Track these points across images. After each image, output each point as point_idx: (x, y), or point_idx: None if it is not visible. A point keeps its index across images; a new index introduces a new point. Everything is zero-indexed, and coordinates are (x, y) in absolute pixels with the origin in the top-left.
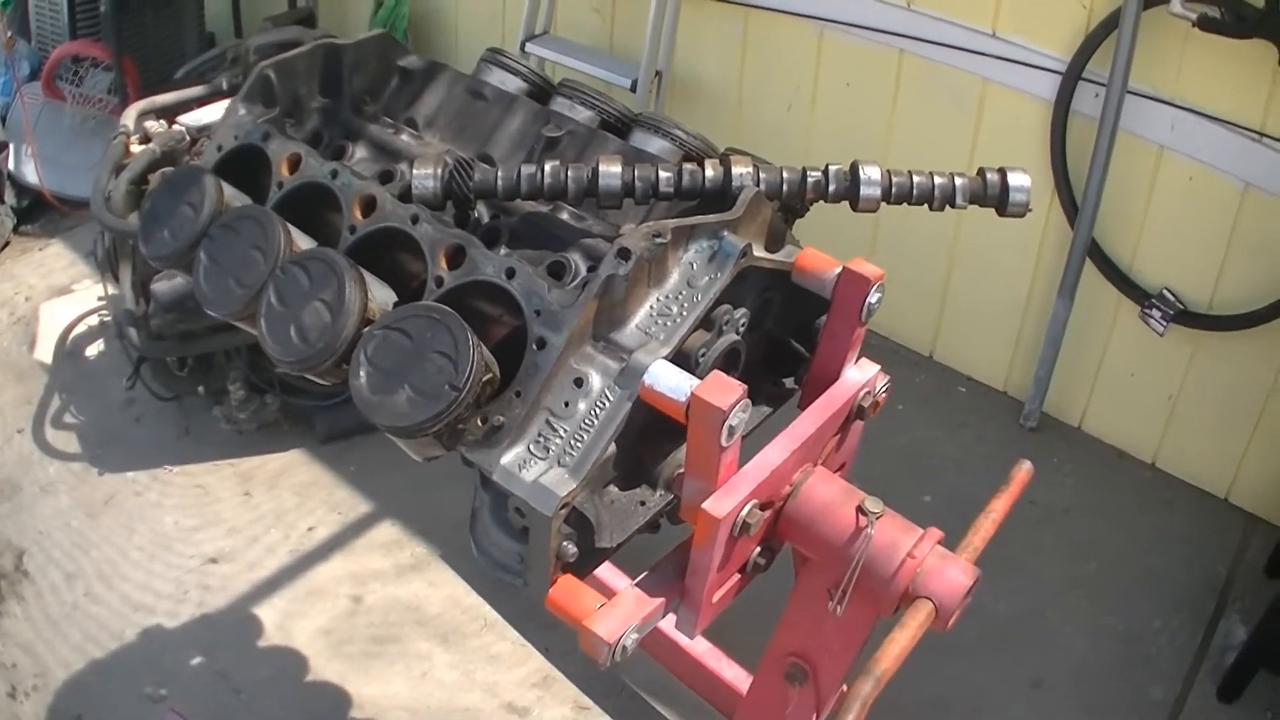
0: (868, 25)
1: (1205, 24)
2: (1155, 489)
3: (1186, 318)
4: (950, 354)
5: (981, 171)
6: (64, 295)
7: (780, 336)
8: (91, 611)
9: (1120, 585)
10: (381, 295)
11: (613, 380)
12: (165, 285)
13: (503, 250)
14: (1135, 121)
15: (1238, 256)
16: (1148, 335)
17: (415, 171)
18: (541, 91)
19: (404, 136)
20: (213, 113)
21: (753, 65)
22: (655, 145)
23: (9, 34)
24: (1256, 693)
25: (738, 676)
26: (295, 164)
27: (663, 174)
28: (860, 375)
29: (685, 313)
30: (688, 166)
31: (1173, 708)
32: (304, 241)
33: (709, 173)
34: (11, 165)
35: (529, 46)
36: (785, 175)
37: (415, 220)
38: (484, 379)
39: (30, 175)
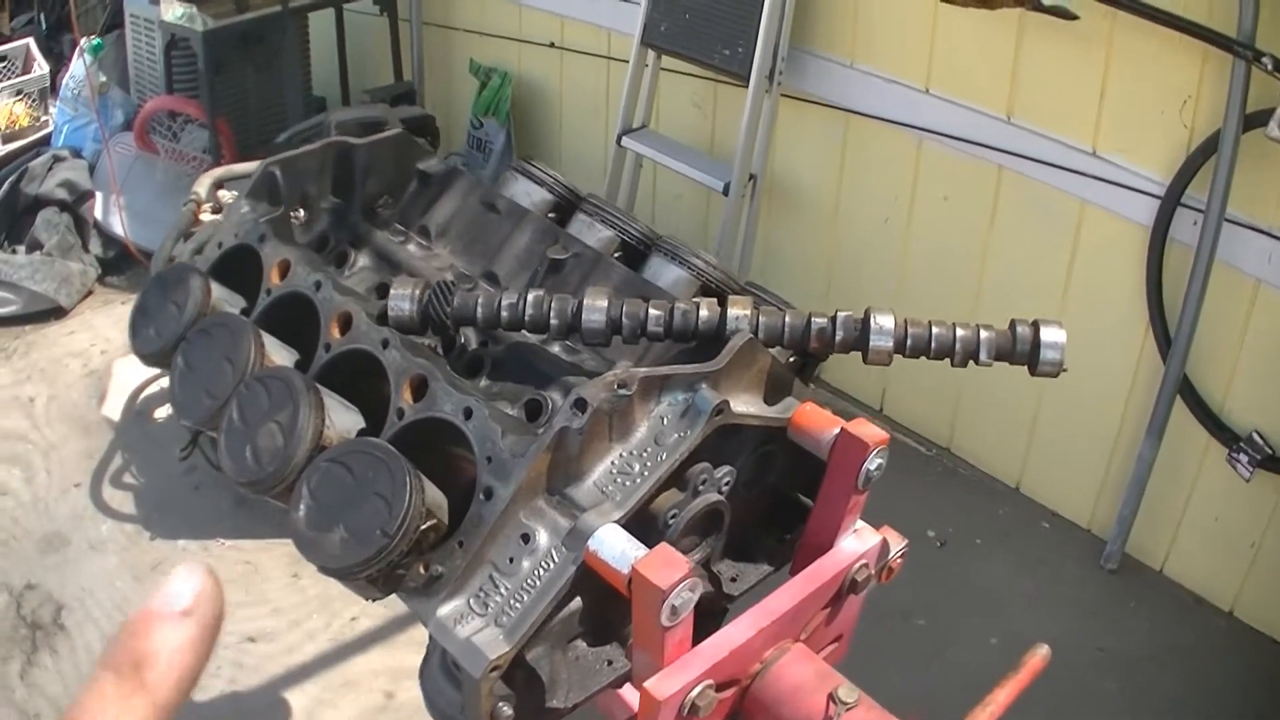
0: (967, 138)
1: None
2: (1232, 639)
3: (1273, 463)
4: (1036, 487)
5: (1012, 325)
6: None
7: (785, 491)
8: None
9: None
10: (344, 421)
11: (560, 540)
12: None
13: (483, 381)
14: (1232, 252)
15: None
16: (1233, 478)
17: (392, 292)
18: (568, 204)
19: (411, 246)
20: None
21: (851, 173)
22: (670, 275)
23: (103, 79)
24: None
25: None
26: (285, 270)
27: (652, 313)
28: (858, 545)
29: (647, 473)
30: (680, 306)
31: None
32: (280, 354)
33: (703, 314)
34: (99, 215)
35: (625, 140)
36: (787, 321)
37: (385, 344)
38: (425, 526)
39: (117, 227)
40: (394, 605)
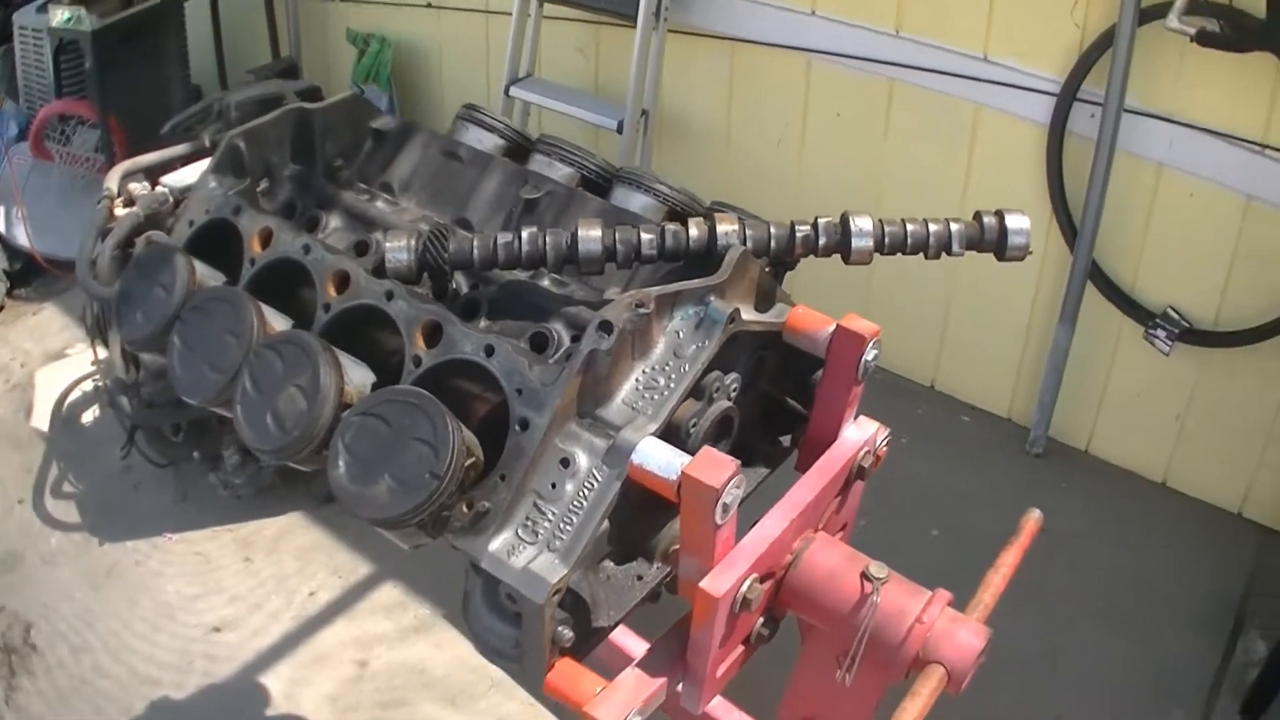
0: (857, 55)
1: (1204, 39)
2: (1167, 508)
3: (1192, 336)
4: (952, 384)
5: (978, 215)
6: (59, 360)
7: (776, 395)
8: (100, 685)
9: (1136, 608)
10: (359, 377)
11: (600, 459)
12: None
13: (483, 322)
14: (1133, 140)
15: (1242, 271)
16: (1152, 355)
17: (388, 245)
18: (519, 148)
19: (379, 203)
20: (194, 172)
21: (741, 100)
22: (637, 202)
23: None
24: None
25: None
26: (267, 239)
27: (645, 236)
28: (859, 434)
29: (673, 385)
30: (670, 227)
31: None
32: (278, 321)
33: (693, 233)
34: (2, 228)
35: (513, 90)
36: (773, 231)
37: (390, 296)
38: (466, 464)
39: (21, 238)
40: (349, 574)
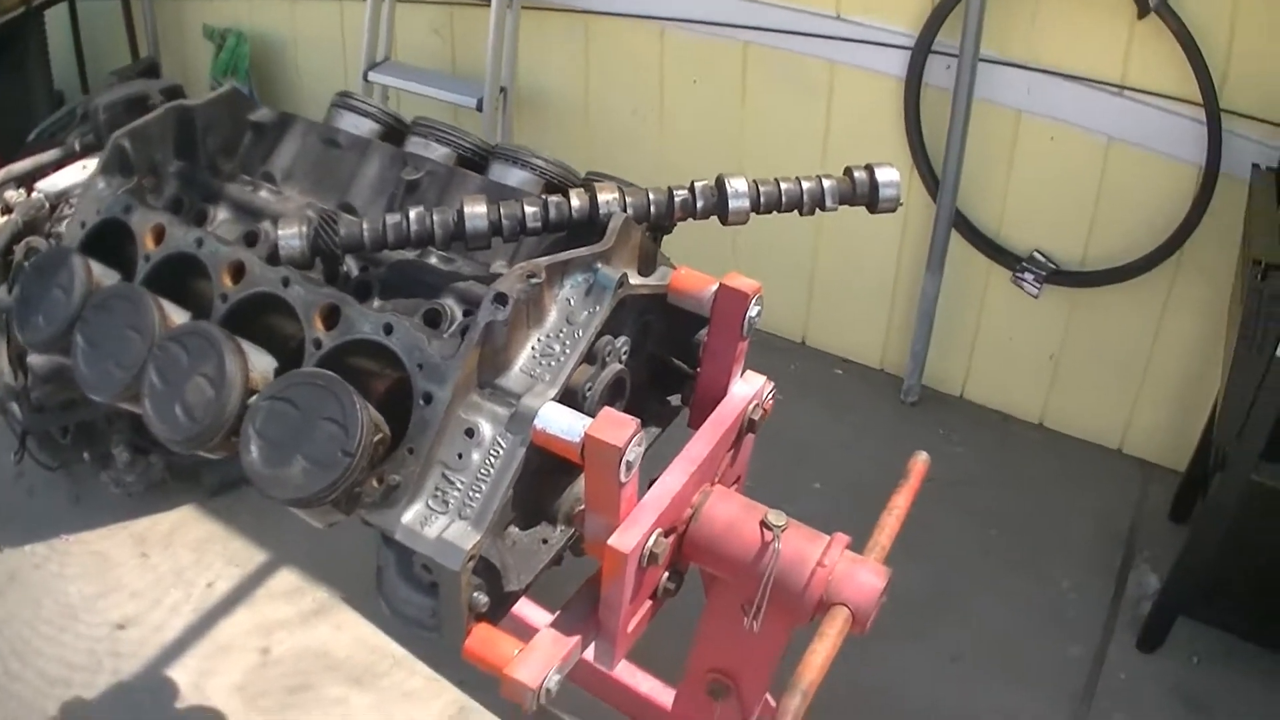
0: (709, 20)
1: None
2: (1046, 448)
3: (1060, 277)
4: (823, 338)
5: (849, 171)
6: None
7: (662, 356)
8: (13, 690)
9: (1025, 549)
10: (261, 363)
11: (503, 427)
12: (42, 358)
13: (376, 303)
14: (990, 89)
15: (1107, 211)
16: (1022, 299)
17: (280, 232)
18: (395, 131)
19: (263, 193)
20: (69, 176)
21: (597, 73)
22: (515, 177)
23: None
24: (1176, 640)
25: (659, 691)
26: (160, 235)
27: (528, 209)
28: (747, 389)
29: (568, 350)
30: (553, 199)
31: (1093, 664)
32: (178, 315)
33: (575, 203)
34: None
35: (371, 75)
36: (652, 197)
37: (286, 283)
38: (375, 440)
39: None
40: (245, 563)
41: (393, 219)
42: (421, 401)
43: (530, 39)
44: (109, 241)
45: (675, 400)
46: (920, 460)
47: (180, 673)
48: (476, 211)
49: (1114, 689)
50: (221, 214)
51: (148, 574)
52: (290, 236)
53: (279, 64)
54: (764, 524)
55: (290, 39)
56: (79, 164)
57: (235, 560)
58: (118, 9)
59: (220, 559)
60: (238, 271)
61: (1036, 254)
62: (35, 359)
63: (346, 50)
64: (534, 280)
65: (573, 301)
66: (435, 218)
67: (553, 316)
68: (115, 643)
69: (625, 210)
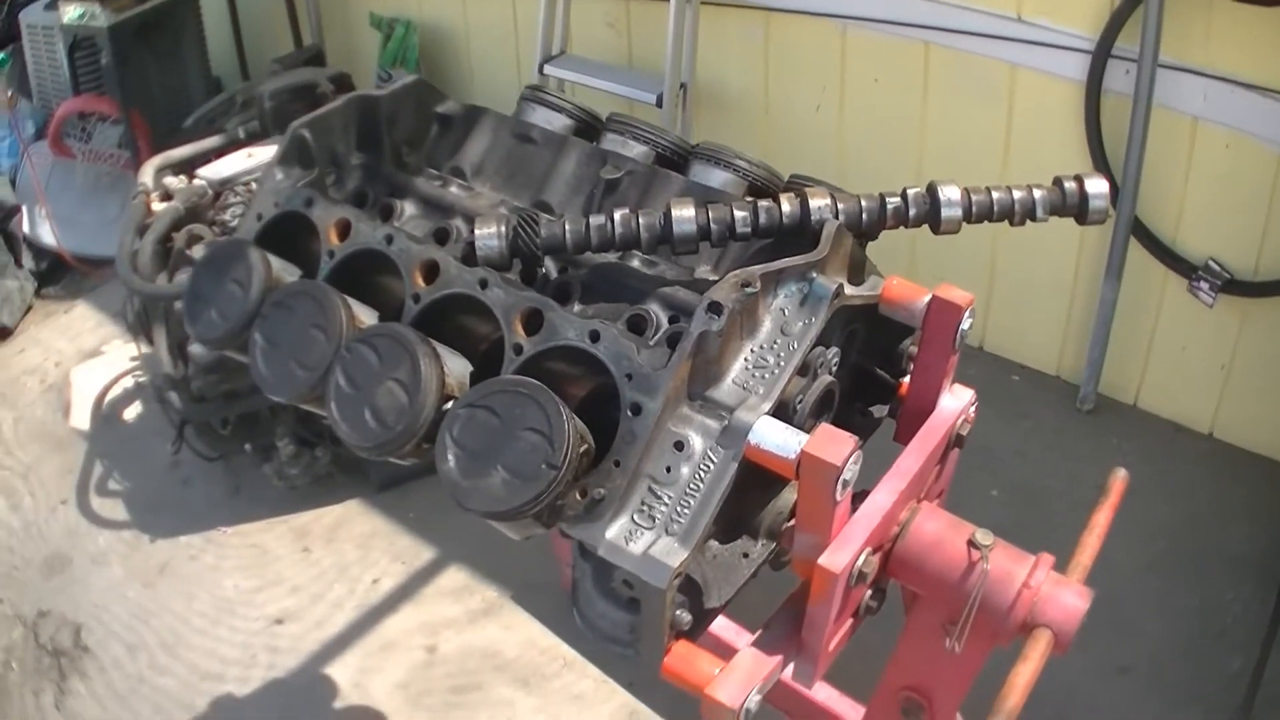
0: (891, 19)
1: None
2: (1214, 459)
3: (1234, 287)
4: (1001, 344)
5: (1058, 181)
6: (94, 359)
7: (867, 366)
8: (159, 684)
9: (1190, 560)
10: (457, 367)
11: (715, 441)
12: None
13: (576, 306)
14: (1168, 95)
15: (1279, 221)
16: (1197, 307)
17: (478, 231)
18: (589, 127)
19: (453, 188)
20: (232, 164)
21: (777, 69)
22: (717, 178)
23: (9, 93)
24: None
25: (847, 708)
26: (345, 230)
27: (738, 214)
28: (956, 402)
29: (783, 363)
30: (763, 204)
31: (1252, 677)
32: (365, 314)
33: (786, 208)
34: (27, 228)
35: (547, 69)
36: (864, 205)
37: (484, 285)
38: (580, 452)
39: (47, 237)
40: (411, 560)
41: (596, 220)
42: (629, 413)
43: (709, 34)
44: (285, 235)
45: (876, 410)
46: (1119, 478)
47: (340, 670)
48: (684, 215)
49: (1273, 700)
50: (409, 209)
51: (309, 569)
52: (488, 236)
53: (449, 55)
54: (971, 543)
55: (461, 29)
56: (243, 151)
57: (401, 557)
58: None
59: (386, 555)
60: (431, 271)
61: (1211, 263)
62: (197, 348)
63: (520, 42)
64: (749, 290)
65: (787, 311)
66: (641, 220)
67: (767, 327)
68: (272, 637)
69: (837, 217)
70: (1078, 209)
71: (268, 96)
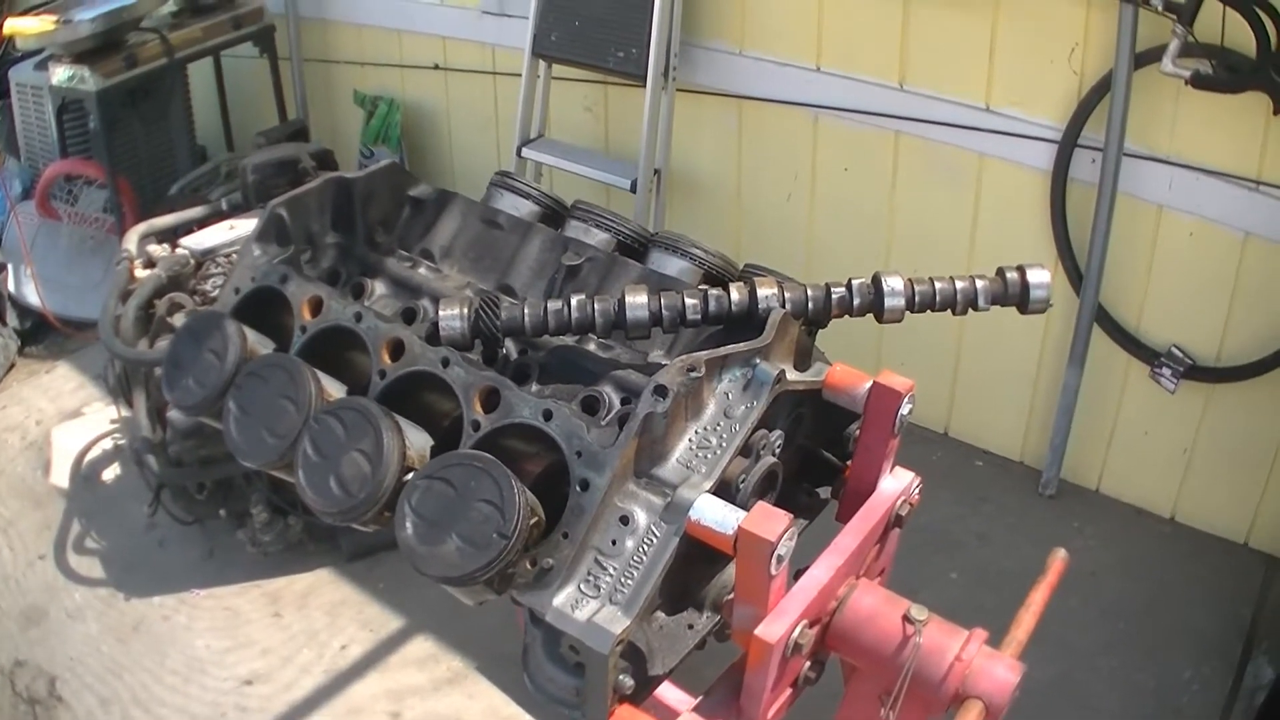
0: (862, 109)
1: (1198, 81)
2: (1176, 542)
3: (1196, 372)
4: (965, 429)
5: (1001, 272)
6: (75, 419)
7: (812, 448)
8: None
9: (1149, 640)
10: (418, 440)
11: (658, 516)
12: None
13: (534, 386)
14: (1133, 183)
15: (1242, 307)
16: (1159, 393)
17: (442, 312)
18: (554, 214)
19: (422, 270)
20: (214, 235)
21: (750, 157)
22: (674, 266)
23: None
24: None
25: None
26: (317, 306)
27: (688, 301)
28: (896, 484)
29: (725, 444)
30: (713, 292)
31: None
32: (333, 387)
33: (734, 296)
34: (12, 286)
35: (525, 151)
36: (810, 294)
37: (446, 363)
38: (530, 523)
39: (32, 296)
40: (379, 628)
41: (554, 306)
42: (578, 488)
43: (684, 121)
44: (261, 308)
45: (822, 491)
46: (1059, 558)
47: None
48: (637, 302)
49: None
50: (379, 288)
51: (280, 633)
52: (451, 318)
53: (430, 133)
54: (906, 618)
55: (443, 109)
56: (225, 223)
57: (370, 625)
58: (265, 68)
59: (354, 623)
60: (397, 348)
61: (1174, 349)
62: (176, 414)
63: (499, 124)
64: (694, 374)
65: (730, 395)
66: (596, 306)
67: (710, 409)
68: (241, 697)
69: (784, 305)
70: (1019, 298)
71: (251, 170)
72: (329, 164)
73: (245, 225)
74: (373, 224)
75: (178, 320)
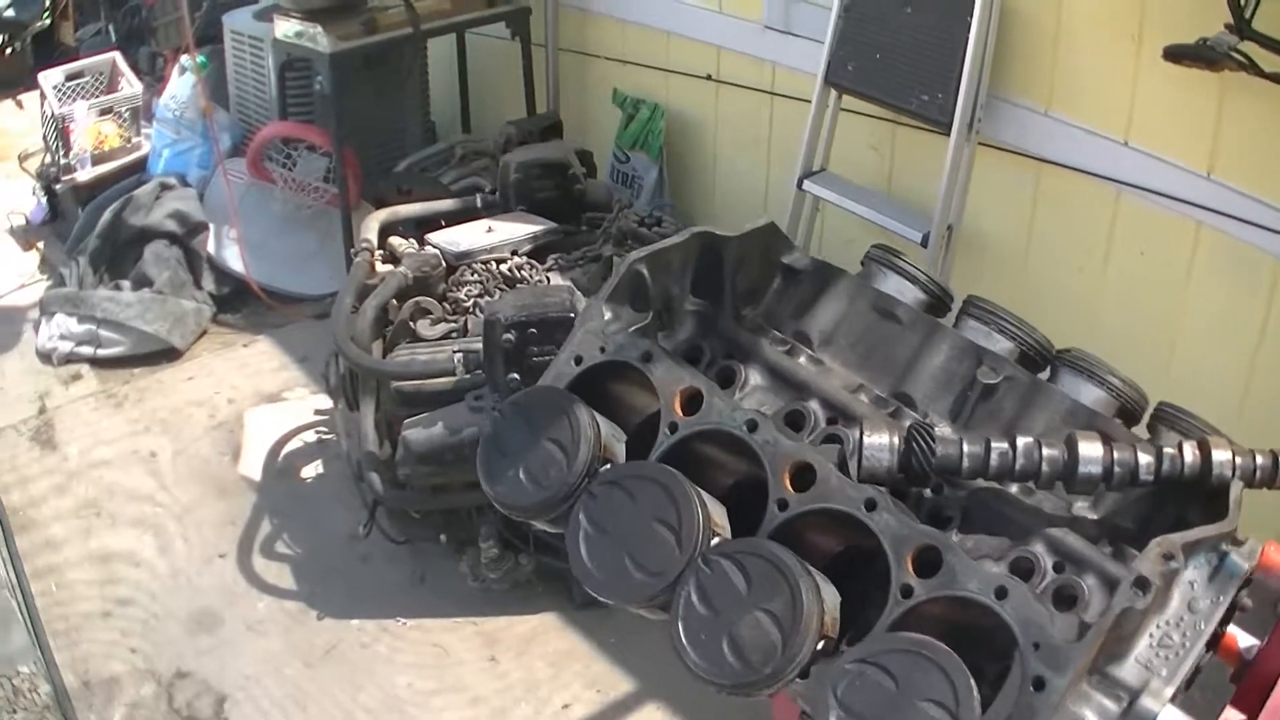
0: (1166, 193)
1: None
2: None
3: None
4: None
5: None
6: (273, 403)
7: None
8: None
9: None
10: (831, 600)
11: None
12: (421, 434)
13: (955, 536)
14: None
15: None
16: None
17: (868, 440)
18: (939, 303)
19: (803, 359)
20: (470, 235)
21: (1043, 223)
22: (1089, 395)
23: (204, 101)
24: None
25: None
26: (694, 402)
27: (1143, 459)
28: None
29: (1188, 643)
30: (1168, 452)
31: None
32: (718, 514)
33: (1188, 458)
34: (212, 248)
35: (806, 184)
36: (1259, 461)
37: (872, 506)
38: None
39: (234, 261)
40: (607, 688)
41: (999, 446)
42: (1032, 687)
43: (976, 178)
44: (593, 379)
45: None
46: None
47: None
48: (1092, 455)
49: None
50: (754, 378)
51: (495, 680)
52: (879, 448)
53: (694, 146)
54: None
55: (710, 122)
56: (482, 223)
57: (597, 683)
58: (512, 51)
59: (579, 679)
60: (805, 477)
61: None
62: (413, 434)
63: (771, 146)
64: (1173, 564)
65: (1195, 585)
66: (1044, 452)
67: (1174, 601)
68: None
69: (1234, 473)
70: None
71: (515, 168)
72: (589, 167)
73: (506, 229)
74: (743, 294)
75: (423, 327)
